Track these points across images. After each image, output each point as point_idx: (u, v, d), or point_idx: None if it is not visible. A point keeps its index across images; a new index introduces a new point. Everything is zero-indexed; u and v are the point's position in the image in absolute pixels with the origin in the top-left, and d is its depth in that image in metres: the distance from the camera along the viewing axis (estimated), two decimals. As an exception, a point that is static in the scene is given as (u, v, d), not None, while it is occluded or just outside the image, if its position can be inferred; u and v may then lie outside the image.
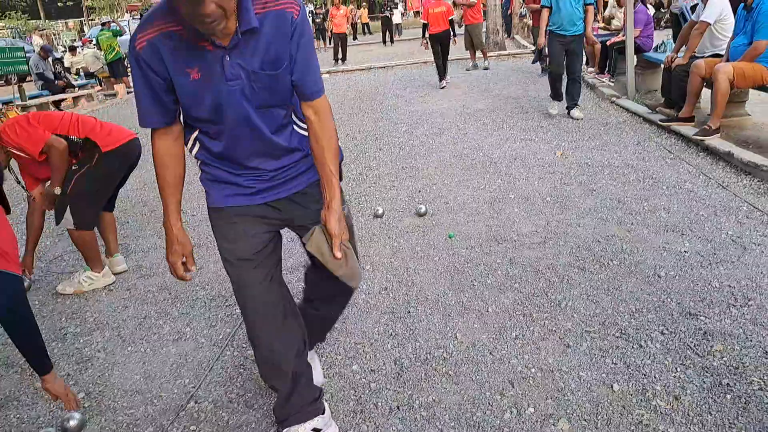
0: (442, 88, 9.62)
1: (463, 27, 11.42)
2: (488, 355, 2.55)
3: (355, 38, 25.43)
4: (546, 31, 6.69)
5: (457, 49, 10.77)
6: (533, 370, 2.43)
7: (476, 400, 2.27)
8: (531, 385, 2.34)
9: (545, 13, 6.56)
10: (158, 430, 2.28)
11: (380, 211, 4.23)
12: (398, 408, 2.27)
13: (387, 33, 21.64)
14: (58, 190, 3.44)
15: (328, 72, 13.03)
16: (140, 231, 4.53)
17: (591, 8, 6.43)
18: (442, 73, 9.79)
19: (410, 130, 6.84)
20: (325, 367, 2.57)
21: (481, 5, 11.55)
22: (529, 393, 2.29)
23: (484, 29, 11.90)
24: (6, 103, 11.33)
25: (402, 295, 3.12)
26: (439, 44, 9.66)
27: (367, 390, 2.40)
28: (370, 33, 28.58)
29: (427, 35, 9.84)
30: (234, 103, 1.71)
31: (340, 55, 15.78)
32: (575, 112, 6.67)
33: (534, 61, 7.86)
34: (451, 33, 9.80)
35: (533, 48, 11.52)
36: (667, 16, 16.69)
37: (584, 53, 8.05)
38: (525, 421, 2.15)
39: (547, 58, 6.82)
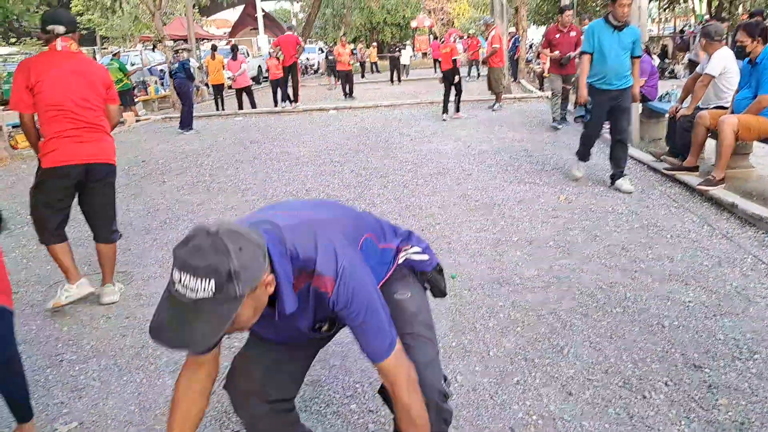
0: (444, 120, 10.56)
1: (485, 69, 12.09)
2: (489, 399, 2.51)
3: (363, 76, 25.83)
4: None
5: (467, 90, 11.06)
6: (534, 417, 2.39)
7: (476, 447, 2.23)
8: (532, 433, 2.29)
9: (586, 60, 5.54)
10: (150, 464, 2.23)
11: (383, 249, 4.21)
12: (396, 451, 2.22)
13: (395, 72, 21.98)
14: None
15: (335, 108, 13.19)
16: (141, 259, 4.52)
17: (638, 61, 5.62)
18: (445, 107, 10.69)
19: (415, 168, 6.88)
20: (322, 405, 2.53)
21: (503, 51, 11.96)
22: (531, 441, 2.25)
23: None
24: (16, 126, 11.44)
25: (403, 334, 3.09)
26: (447, 81, 10.61)
27: (365, 431, 2.35)
28: (379, 72, 29.03)
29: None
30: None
31: (347, 91, 16.13)
32: (624, 184, 5.50)
33: (577, 118, 7.14)
34: (456, 72, 10.60)
35: (545, 94, 11.76)
36: (672, 66, 17.00)
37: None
38: (526, 470, 2.10)
39: (586, 114, 5.93)
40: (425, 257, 1.93)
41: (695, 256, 3.91)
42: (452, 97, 10.65)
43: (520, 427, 2.33)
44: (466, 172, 6.51)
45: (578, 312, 3.24)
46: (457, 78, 10.46)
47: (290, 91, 14.43)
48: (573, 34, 8.77)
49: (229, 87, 16.21)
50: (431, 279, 1.96)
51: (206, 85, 18.57)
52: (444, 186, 6.02)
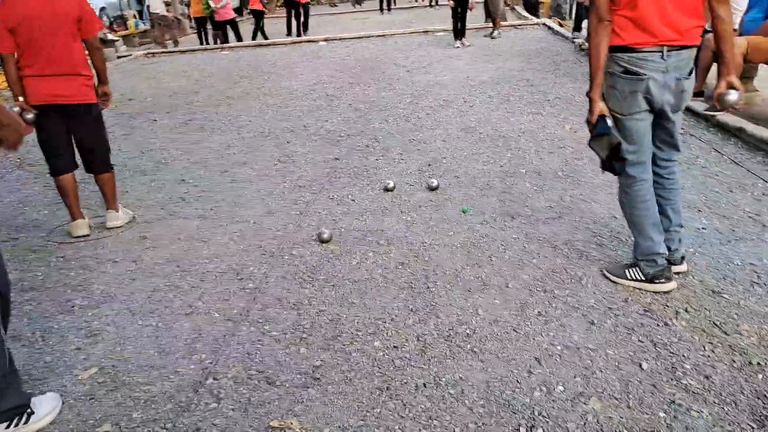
0: (456, 47, 10.30)
1: None
2: (512, 332, 2.51)
3: (358, 4, 24.96)
4: None
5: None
6: (559, 347, 2.39)
7: (504, 378, 2.23)
8: (558, 363, 2.30)
9: None
10: (177, 407, 2.22)
11: (391, 185, 4.14)
12: (424, 386, 2.23)
13: (383, 0, 21.19)
14: None
15: (325, 39, 12.77)
16: (141, 201, 4.42)
17: None
18: (456, 33, 10.45)
19: (415, 101, 6.71)
20: (345, 343, 2.52)
21: None
22: (557, 371, 2.26)
23: None
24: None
25: (420, 270, 3.06)
26: (458, 5, 10.29)
27: (392, 367, 2.35)
28: (359, 3, 28.00)
29: None
30: None
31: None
32: None
33: None
34: None
35: (541, 21, 11.43)
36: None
37: None
38: (556, 399, 2.12)
39: None
40: None
41: (705, 182, 3.88)
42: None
43: (545, 358, 2.33)
44: (468, 104, 6.36)
45: (593, 242, 3.22)
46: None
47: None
48: None
49: (211, 19, 15.60)
50: None
51: (188, 18, 17.89)
52: (446, 118, 5.89)
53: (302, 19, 14.46)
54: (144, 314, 2.90)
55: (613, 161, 2.58)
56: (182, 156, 5.47)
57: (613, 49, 2.46)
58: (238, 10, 20.93)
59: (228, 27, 13.88)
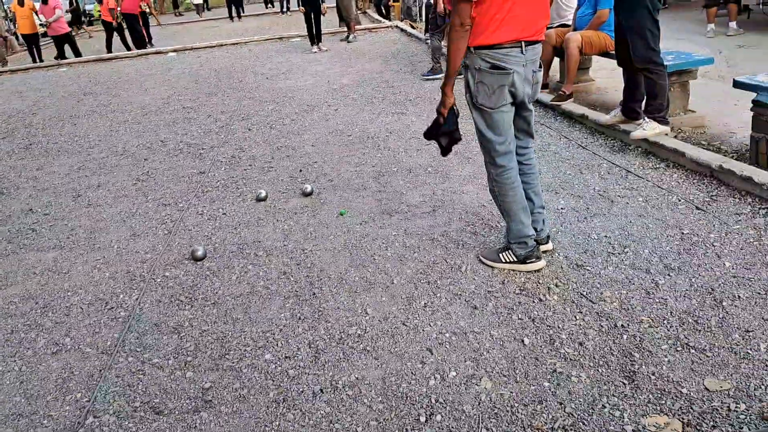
0: (314, 53, 10.34)
1: None
2: (402, 326, 2.55)
3: (179, 15, 24.33)
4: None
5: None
6: (447, 335, 2.47)
7: (399, 372, 2.26)
8: (448, 350, 2.37)
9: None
10: (53, 456, 2.01)
11: (263, 194, 4.05)
12: (322, 391, 2.20)
13: (233, 8, 20.70)
14: None
15: (174, 50, 12.21)
16: (-17, 236, 3.95)
17: None
18: (312, 38, 10.53)
19: (278, 108, 6.62)
20: (234, 360, 2.42)
21: None
22: (448, 357, 2.33)
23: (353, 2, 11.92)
24: None
25: (303, 277, 3.02)
26: (311, 11, 10.33)
27: (286, 377, 2.29)
28: (209, 9, 27.26)
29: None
30: None
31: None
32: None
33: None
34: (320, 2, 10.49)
35: (394, 24, 11.74)
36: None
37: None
38: (450, 384, 2.18)
39: None
40: None
41: (558, 166, 4.20)
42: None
43: (436, 347, 2.39)
44: (333, 108, 6.38)
45: (467, 231, 3.36)
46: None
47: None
48: None
49: (44, 35, 14.33)
50: None
51: (15, 35, 16.30)
52: (312, 123, 5.86)
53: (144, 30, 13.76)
54: (3, 359, 2.60)
55: (450, 148, 2.98)
56: (26, 183, 4.97)
57: (480, 48, 2.59)
58: (72, 24, 19.43)
59: (64, 42, 12.83)
